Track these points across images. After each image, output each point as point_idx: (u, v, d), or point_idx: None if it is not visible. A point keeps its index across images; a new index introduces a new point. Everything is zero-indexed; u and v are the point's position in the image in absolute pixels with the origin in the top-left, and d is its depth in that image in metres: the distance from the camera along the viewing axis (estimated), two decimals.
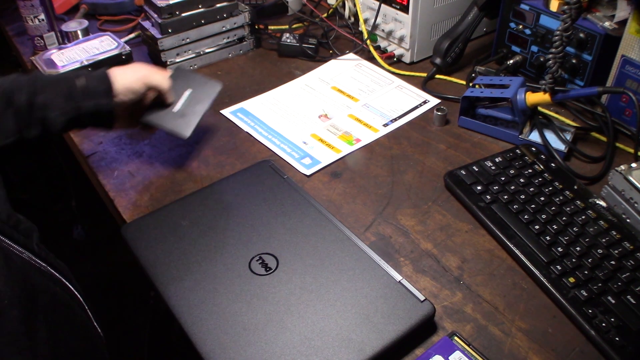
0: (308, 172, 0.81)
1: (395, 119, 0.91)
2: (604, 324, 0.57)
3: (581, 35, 0.85)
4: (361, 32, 1.08)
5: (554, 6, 0.89)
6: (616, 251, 0.64)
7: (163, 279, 0.61)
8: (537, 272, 0.63)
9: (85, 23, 1.08)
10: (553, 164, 0.77)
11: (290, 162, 0.83)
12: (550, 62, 0.77)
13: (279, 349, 0.54)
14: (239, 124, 0.91)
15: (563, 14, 0.73)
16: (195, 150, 0.86)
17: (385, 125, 0.90)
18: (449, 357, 0.54)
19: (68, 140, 0.93)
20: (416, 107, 0.94)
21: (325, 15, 1.14)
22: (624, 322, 0.57)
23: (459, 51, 1.00)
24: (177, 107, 0.82)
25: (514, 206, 0.70)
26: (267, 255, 0.63)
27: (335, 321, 0.56)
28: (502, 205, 0.71)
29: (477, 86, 0.88)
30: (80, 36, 1.06)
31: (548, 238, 0.66)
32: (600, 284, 0.61)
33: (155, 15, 1.00)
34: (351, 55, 1.08)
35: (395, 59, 1.06)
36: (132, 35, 1.15)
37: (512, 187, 0.73)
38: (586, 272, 0.62)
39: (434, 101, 0.95)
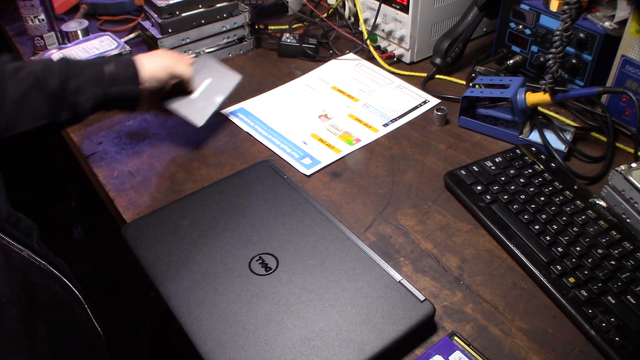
0: (308, 172, 0.81)
1: (395, 119, 0.91)
2: (604, 324, 0.57)
3: (581, 35, 0.85)
4: (361, 32, 1.08)
5: (554, 6, 0.89)
6: (616, 251, 0.64)
7: (163, 279, 0.61)
8: (537, 272, 0.63)
9: (85, 23, 1.08)
10: (553, 164, 0.77)
11: (290, 162, 0.83)
12: (550, 62, 0.77)
13: (279, 349, 0.54)
14: (239, 124, 0.91)
15: (563, 14, 0.73)
16: (195, 150, 0.86)
17: (385, 125, 0.90)
18: (449, 357, 0.55)
19: (68, 140, 0.93)
20: (416, 107, 0.94)
21: (325, 15, 1.14)
22: (624, 322, 0.57)
23: (459, 51, 1.00)
24: (195, 94, 0.85)
25: (514, 206, 0.70)
26: (267, 255, 0.63)
27: (335, 321, 0.56)
28: (502, 205, 0.71)
29: (477, 86, 0.89)
30: (80, 36, 1.07)
31: (548, 238, 0.66)
32: (600, 284, 0.61)
33: (155, 15, 1.00)
34: (351, 55, 1.08)
35: (395, 59, 1.06)
36: (132, 35, 1.15)
37: (512, 187, 0.73)
38: (586, 272, 0.62)
39: (434, 101, 0.95)
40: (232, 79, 0.89)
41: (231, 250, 0.64)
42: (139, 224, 0.69)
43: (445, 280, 0.64)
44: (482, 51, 1.08)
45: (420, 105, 0.95)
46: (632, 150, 0.81)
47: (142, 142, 0.88)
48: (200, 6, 1.01)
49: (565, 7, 0.72)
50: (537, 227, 0.67)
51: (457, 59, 1.01)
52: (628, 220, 0.68)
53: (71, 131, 0.90)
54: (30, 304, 0.50)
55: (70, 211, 1.58)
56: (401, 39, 1.04)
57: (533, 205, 0.70)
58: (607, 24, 0.84)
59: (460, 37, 0.98)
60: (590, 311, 0.58)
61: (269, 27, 1.14)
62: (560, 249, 0.65)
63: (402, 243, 0.69)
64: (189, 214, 0.69)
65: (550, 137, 0.82)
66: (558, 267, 0.63)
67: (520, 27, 0.94)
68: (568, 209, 0.69)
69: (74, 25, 1.07)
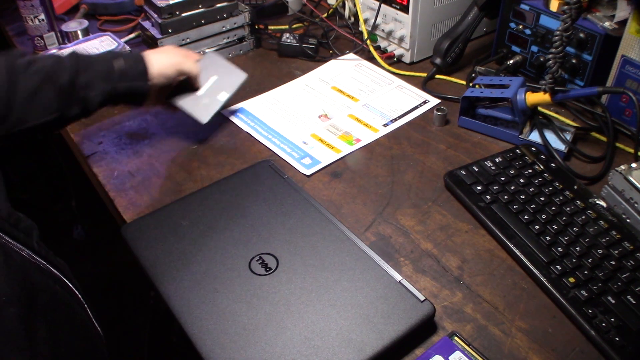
0: (308, 172, 0.81)
1: (395, 119, 0.91)
2: (604, 324, 0.57)
3: (581, 35, 0.85)
4: (361, 32, 1.08)
5: (554, 6, 0.89)
6: (616, 251, 0.64)
7: (163, 279, 0.61)
8: (537, 272, 0.63)
9: (85, 23, 1.09)
10: (553, 164, 0.77)
11: (290, 162, 0.83)
12: (550, 62, 0.77)
13: (279, 349, 0.54)
14: (239, 124, 0.91)
15: (563, 14, 0.73)
16: (195, 150, 0.86)
17: (385, 125, 0.90)
18: (449, 357, 0.55)
19: (68, 140, 0.93)
20: (416, 107, 0.94)
21: (325, 15, 1.14)
22: (624, 322, 0.57)
23: (459, 51, 1.00)
24: (201, 91, 0.86)
25: (514, 206, 0.70)
26: (267, 255, 0.63)
27: (335, 321, 0.56)
28: (502, 205, 0.71)
29: (477, 86, 0.89)
30: (80, 36, 1.07)
31: (548, 238, 0.66)
32: (600, 284, 0.61)
33: (155, 15, 1.00)
34: (351, 55, 1.08)
35: (395, 59, 1.06)
36: (132, 35, 1.15)
37: (512, 187, 0.73)
38: (586, 272, 0.62)
39: (434, 101, 0.95)
40: (237, 77, 0.90)
41: (231, 250, 0.64)
42: (139, 224, 0.69)
43: (445, 280, 0.64)
44: (482, 51, 1.08)
45: (420, 105, 0.95)
46: (632, 150, 0.81)
47: (142, 142, 0.88)
48: (200, 6, 1.01)
49: (565, 7, 0.72)
50: (537, 227, 0.67)
51: (457, 59, 1.01)
52: (628, 220, 0.68)
53: (71, 131, 0.90)
54: (30, 304, 0.50)
55: (70, 211, 1.58)
56: (401, 39, 1.04)
57: (533, 205, 0.70)
58: (607, 24, 0.84)
59: (460, 37, 0.98)
60: (590, 311, 0.58)
61: (269, 27, 1.14)
62: (560, 249, 0.65)
63: (402, 243, 0.69)
64: (189, 214, 0.69)
65: (550, 137, 0.82)
66: (558, 267, 0.63)
67: (520, 27, 0.94)
68: (568, 209, 0.69)
69: (74, 25, 1.07)
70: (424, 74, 1.01)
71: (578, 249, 0.64)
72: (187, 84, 0.85)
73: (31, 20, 1.05)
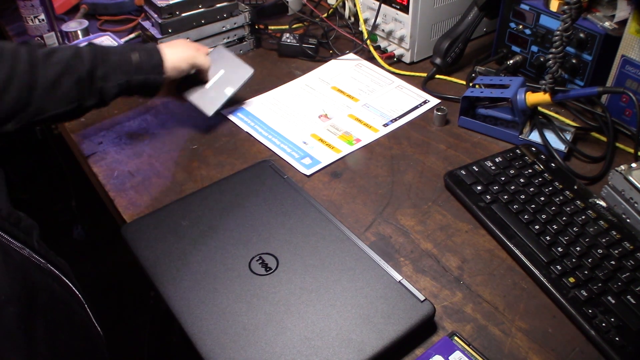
0: (308, 172, 0.81)
1: (395, 119, 0.91)
2: (604, 324, 0.57)
3: (581, 35, 0.85)
4: (361, 32, 1.08)
5: (554, 6, 0.89)
6: (616, 251, 0.64)
7: (163, 279, 0.61)
8: (537, 272, 0.63)
9: (85, 23, 1.09)
10: (553, 164, 0.77)
11: (290, 162, 0.83)
12: (550, 62, 0.77)
13: (279, 349, 0.54)
14: (239, 124, 0.91)
15: (563, 14, 0.73)
16: (195, 150, 0.86)
17: (385, 125, 0.90)
18: (449, 357, 0.55)
19: (68, 140, 0.93)
20: (416, 107, 0.94)
21: (325, 15, 1.14)
22: (624, 322, 0.57)
23: (459, 51, 1.00)
24: (209, 85, 0.88)
25: (514, 206, 0.70)
26: (267, 255, 0.63)
27: (335, 321, 0.56)
28: (502, 205, 0.71)
29: (477, 86, 0.89)
30: (80, 36, 1.07)
31: (548, 238, 0.66)
32: (600, 284, 0.61)
33: (155, 16, 1.00)
34: (351, 55, 1.08)
35: (395, 59, 1.06)
36: (132, 36, 1.15)
37: (512, 187, 0.73)
38: (586, 272, 0.62)
39: (434, 101, 0.95)
40: (244, 71, 0.92)
41: (231, 250, 0.64)
42: (139, 224, 0.69)
43: (445, 280, 0.64)
44: (482, 51, 1.08)
45: (420, 105, 0.95)
46: (632, 150, 0.81)
47: (142, 142, 0.88)
48: (200, 6, 1.01)
49: (565, 7, 0.72)
50: (537, 227, 0.67)
51: (457, 59, 1.01)
52: (628, 220, 0.68)
53: (71, 131, 0.90)
54: (29, 303, 0.50)
55: (70, 211, 1.58)
56: (401, 39, 1.04)
57: (533, 205, 0.70)
58: (607, 24, 0.84)
59: (460, 37, 0.98)
60: (590, 311, 0.58)
61: (269, 27, 1.14)
62: (560, 249, 0.65)
63: (402, 243, 0.69)
64: (189, 214, 0.69)
65: (550, 137, 0.82)
66: (558, 267, 0.63)
67: (520, 27, 0.94)
68: (568, 209, 0.69)
69: (74, 25, 1.07)
70: (424, 74, 1.01)
71: (578, 249, 0.64)
72: (195, 76, 0.87)
73: (31, 20, 1.05)
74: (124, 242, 0.67)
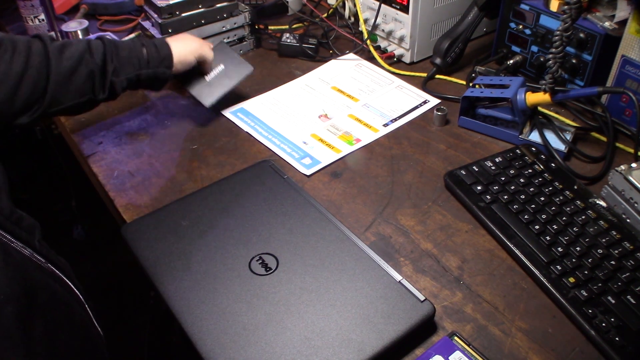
0: (308, 172, 0.81)
1: (395, 119, 0.91)
2: (604, 324, 0.57)
3: (581, 35, 0.85)
4: (361, 32, 1.08)
5: (554, 6, 0.89)
6: (616, 251, 0.64)
7: (163, 279, 0.61)
8: (537, 272, 0.63)
9: (85, 23, 1.08)
10: (553, 164, 0.77)
11: (290, 162, 0.83)
12: (550, 62, 0.77)
13: (279, 349, 0.54)
14: (239, 124, 0.91)
15: (563, 14, 0.73)
16: (195, 150, 0.86)
17: (385, 125, 0.90)
18: (449, 357, 0.55)
19: (68, 140, 0.93)
20: (416, 107, 0.94)
21: (325, 15, 1.14)
22: (624, 322, 0.57)
23: (459, 51, 1.00)
24: (209, 78, 0.91)
25: (514, 206, 0.70)
26: (267, 255, 0.63)
27: (335, 321, 0.56)
28: (502, 205, 0.71)
29: (477, 86, 0.88)
30: (80, 36, 1.06)
31: (548, 238, 0.66)
32: (600, 284, 0.61)
33: (155, 16, 1.00)
34: (351, 55, 1.08)
35: (395, 59, 1.06)
36: (132, 36, 1.15)
37: (512, 187, 0.73)
38: (586, 272, 0.62)
39: (434, 101, 0.95)
40: (244, 68, 0.94)
41: (231, 250, 0.64)
42: (139, 224, 0.69)
43: (445, 280, 0.64)
44: (482, 51, 1.08)
45: (420, 105, 0.95)
46: (632, 150, 0.81)
47: (142, 142, 0.88)
48: (200, 6, 1.01)
49: (565, 7, 0.72)
50: (537, 227, 0.67)
51: (457, 59, 1.01)
52: (628, 220, 0.68)
53: (71, 131, 0.90)
54: (29, 303, 0.49)
55: (70, 211, 1.58)
56: (401, 39, 1.04)
57: (533, 205, 0.70)
58: (607, 24, 0.84)
59: (460, 37, 0.98)
60: (590, 311, 0.58)
61: (269, 27, 1.14)
62: (560, 249, 0.65)
63: (402, 243, 0.69)
64: (189, 214, 0.69)
65: (550, 137, 0.82)
66: (558, 267, 0.63)
67: (520, 27, 0.94)
68: (568, 209, 0.69)
69: (74, 25, 1.07)
70: (424, 74, 1.01)
71: (578, 249, 0.64)
72: (197, 69, 0.89)
73: (31, 20, 1.05)
74: (124, 242, 0.67)
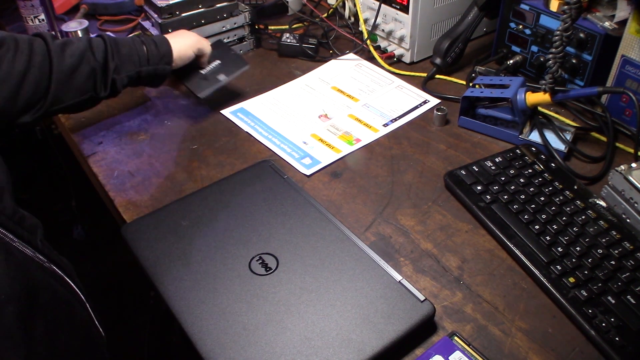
0: (308, 172, 0.81)
1: (395, 119, 0.91)
2: (604, 324, 0.57)
3: (581, 35, 0.85)
4: (361, 32, 1.08)
5: (554, 6, 0.89)
6: (616, 251, 0.64)
7: (163, 279, 0.61)
8: (537, 272, 0.63)
9: (85, 23, 1.08)
10: (553, 164, 0.77)
11: (290, 162, 0.83)
12: (550, 62, 0.77)
13: (279, 349, 0.54)
14: (239, 124, 0.91)
15: (563, 14, 0.73)
16: (195, 150, 0.86)
17: (385, 125, 0.90)
18: (449, 357, 0.55)
19: (68, 140, 0.93)
20: (416, 107, 0.94)
21: (325, 15, 1.14)
22: (624, 322, 0.57)
23: (459, 51, 1.00)
24: (204, 71, 0.93)
25: (514, 206, 0.70)
26: (267, 255, 0.63)
27: (335, 321, 0.56)
28: (502, 205, 0.71)
29: (477, 86, 0.88)
30: (80, 36, 1.06)
31: (548, 238, 0.66)
32: (600, 284, 0.61)
33: (155, 16, 1.00)
34: (351, 55, 1.08)
35: (395, 59, 1.06)
36: (132, 36, 1.15)
37: (512, 187, 0.73)
38: (586, 272, 0.62)
39: (434, 101, 0.95)
40: (239, 64, 0.95)
41: (231, 250, 0.64)
42: (139, 224, 0.69)
43: (445, 280, 0.64)
44: (482, 51, 1.08)
45: (420, 105, 0.95)
46: (632, 150, 0.81)
47: (142, 142, 0.88)
48: (200, 6, 1.01)
49: (565, 7, 0.72)
50: (537, 227, 0.67)
51: (457, 59, 1.01)
52: (628, 220, 0.68)
53: (71, 131, 0.90)
54: (30, 302, 0.49)
55: (70, 211, 1.58)
56: (401, 39, 1.04)
57: (533, 205, 0.70)
58: (607, 24, 0.84)
59: (460, 37, 0.98)
60: (590, 311, 0.58)
61: (269, 27, 1.14)
62: (560, 249, 0.65)
63: (402, 243, 0.69)
64: (189, 214, 0.69)
65: (550, 137, 0.82)
66: (558, 267, 0.63)
67: (520, 27, 0.94)
68: (568, 209, 0.69)
69: (74, 25, 1.07)
70: (424, 74, 1.01)
71: (578, 249, 0.64)
72: (194, 63, 0.91)
73: (31, 20, 1.04)
74: (124, 242, 0.67)
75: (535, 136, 0.83)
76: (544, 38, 0.91)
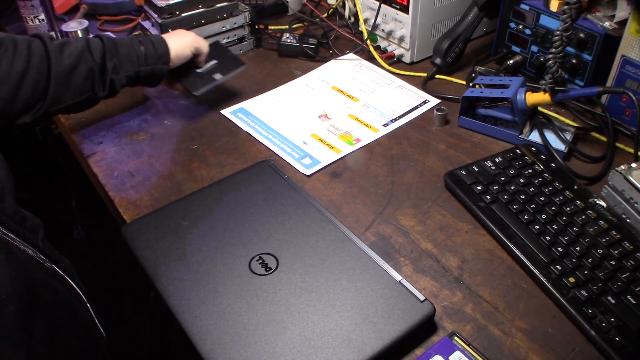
0: (308, 172, 0.81)
1: (395, 119, 0.91)
2: (604, 324, 0.57)
3: (581, 35, 0.85)
4: (361, 32, 1.08)
5: (554, 6, 0.89)
6: (616, 251, 0.64)
7: (163, 279, 0.61)
8: (537, 272, 0.63)
9: (85, 23, 1.08)
10: (553, 164, 0.77)
11: (290, 162, 0.83)
12: (550, 62, 0.77)
13: (279, 349, 0.54)
14: (239, 124, 0.91)
15: (563, 14, 0.73)
16: (195, 150, 0.86)
17: (385, 125, 0.90)
18: (449, 357, 0.55)
19: (68, 140, 0.93)
20: (416, 107, 0.94)
21: (325, 15, 1.14)
22: (624, 322, 0.57)
23: (459, 51, 1.00)
24: (200, 70, 0.93)
25: (514, 206, 0.70)
26: (267, 255, 0.63)
27: (335, 321, 0.56)
28: (502, 205, 0.71)
29: (477, 86, 0.88)
30: (80, 36, 1.06)
31: (548, 238, 0.66)
32: (600, 284, 0.61)
33: (155, 16, 1.00)
34: (351, 55, 1.08)
35: (395, 59, 1.06)
36: (129, 36, 1.14)
37: (512, 187, 0.73)
38: (586, 272, 0.62)
39: (434, 101, 0.95)
40: (236, 65, 0.95)
41: (231, 250, 0.64)
42: (139, 224, 0.69)
43: (445, 280, 0.64)
44: (482, 51, 1.08)
45: (420, 105, 0.95)
46: (632, 150, 0.81)
47: (142, 142, 0.88)
48: (200, 6, 1.01)
49: (565, 7, 0.72)
50: (537, 227, 0.67)
51: (457, 59, 1.01)
52: (628, 220, 0.68)
53: (71, 131, 0.90)
54: (30, 302, 0.50)
55: (70, 211, 1.58)
56: (401, 39, 1.04)
57: (533, 205, 0.70)
58: (607, 24, 0.84)
59: (460, 37, 0.98)
60: (590, 311, 0.58)
61: (269, 27, 1.14)
62: (560, 249, 0.65)
63: (402, 243, 0.69)
64: (189, 214, 0.69)
65: (550, 137, 0.82)
66: (558, 267, 0.63)
67: (520, 27, 0.94)
68: (568, 209, 0.69)
69: (74, 25, 1.07)
70: (424, 74, 1.01)
71: (578, 249, 0.64)
72: (190, 62, 0.90)
73: (31, 20, 1.04)
74: (124, 242, 0.67)
75: (535, 136, 0.83)
76: (544, 38, 0.91)
